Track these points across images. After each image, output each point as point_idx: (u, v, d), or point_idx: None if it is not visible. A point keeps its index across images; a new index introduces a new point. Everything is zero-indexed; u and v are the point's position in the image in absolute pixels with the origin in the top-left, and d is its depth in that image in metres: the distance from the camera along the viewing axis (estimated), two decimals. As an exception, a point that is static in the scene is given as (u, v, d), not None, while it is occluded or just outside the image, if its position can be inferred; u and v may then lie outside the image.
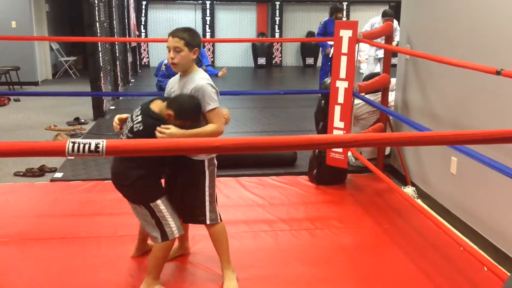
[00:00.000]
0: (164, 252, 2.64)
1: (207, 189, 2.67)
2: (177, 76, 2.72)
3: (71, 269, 2.92)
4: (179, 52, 2.54)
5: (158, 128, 2.45)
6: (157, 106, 2.55)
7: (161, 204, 2.55)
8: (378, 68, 7.92)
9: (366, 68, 8.14)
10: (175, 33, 2.57)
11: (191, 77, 2.61)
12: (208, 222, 2.69)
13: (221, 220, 2.74)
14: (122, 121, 2.63)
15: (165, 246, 2.61)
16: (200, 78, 2.58)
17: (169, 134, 2.45)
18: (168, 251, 2.68)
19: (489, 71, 2.59)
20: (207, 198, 2.67)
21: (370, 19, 8.41)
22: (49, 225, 3.49)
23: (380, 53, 7.99)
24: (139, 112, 2.54)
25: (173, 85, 2.71)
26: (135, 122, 2.51)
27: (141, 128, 2.48)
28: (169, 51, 2.57)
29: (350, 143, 1.36)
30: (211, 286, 2.76)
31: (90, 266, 2.95)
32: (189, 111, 2.52)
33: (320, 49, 8.27)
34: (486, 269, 2.77)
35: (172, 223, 2.57)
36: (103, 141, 1.22)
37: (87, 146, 1.20)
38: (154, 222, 2.56)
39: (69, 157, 4.94)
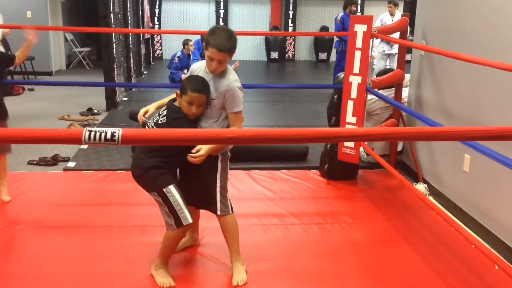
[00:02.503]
0: (175, 239, 2.72)
1: (218, 180, 2.69)
2: (202, 65, 2.69)
3: (82, 258, 2.95)
4: (222, 63, 2.55)
5: (189, 155, 2.54)
6: (177, 100, 2.67)
7: (173, 190, 2.60)
8: (388, 64, 7.89)
9: (376, 65, 8.12)
10: (220, 48, 2.48)
11: (222, 75, 2.61)
12: (218, 212, 2.72)
13: (232, 211, 2.76)
14: (148, 115, 2.75)
15: (176, 234, 2.67)
16: (231, 80, 2.59)
17: (202, 154, 2.53)
18: (178, 239, 2.75)
19: (506, 68, 2.57)
20: (217, 189, 2.69)
21: (379, 15, 8.39)
22: (61, 214, 3.52)
23: (388, 49, 7.96)
24: (166, 107, 2.68)
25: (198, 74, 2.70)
26: (160, 116, 2.65)
27: (164, 121, 2.62)
28: (211, 60, 2.52)
29: (363, 137, 1.36)
30: (220, 277, 2.78)
31: (101, 255, 2.98)
32: (187, 81, 2.59)
33: (336, 43, 8.21)
34: (497, 267, 2.76)
35: (184, 209, 2.62)
36: (119, 130, 1.23)
37: (103, 134, 1.22)
38: (167, 210, 2.61)
39: (84, 146, 4.97)
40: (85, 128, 1.24)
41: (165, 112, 2.65)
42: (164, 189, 2.59)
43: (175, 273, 2.80)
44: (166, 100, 2.77)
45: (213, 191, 2.69)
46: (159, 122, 2.63)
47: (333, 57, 13.09)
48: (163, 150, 2.60)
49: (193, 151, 2.54)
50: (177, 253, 3.01)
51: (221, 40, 2.48)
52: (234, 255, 2.78)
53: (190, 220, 2.64)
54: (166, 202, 2.60)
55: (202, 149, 2.53)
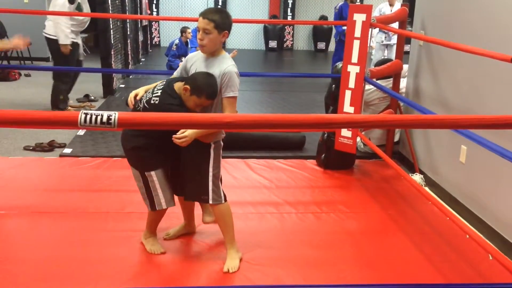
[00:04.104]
0: (155, 217, 2.83)
1: (210, 169, 2.67)
2: (199, 54, 2.69)
3: (78, 243, 2.95)
4: (208, 34, 2.53)
5: (174, 136, 2.51)
6: (177, 85, 2.62)
7: (154, 176, 2.64)
8: (386, 55, 7.87)
9: (374, 55, 8.10)
10: (206, 14, 2.54)
11: (219, 60, 2.60)
12: (210, 201, 2.71)
13: (225, 200, 2.75)
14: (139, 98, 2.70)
15: (155, 213, 2.79)
16: (229, 64, 2.58)
17: (186, 136, 2.51)
18: (158, 217, 2.84)
19: (504, 59, 2.56)
20: (210, 178, 2.68)
21: (378, 5, 8.35)
22: (57, 200, 3.52)
23: (386, 40, 7.94)
24: (161, 87, 2.63)
25: (195, 63, 2.68)
26: (154, 95, 2.60)
27: (156, 102, 2.57)
28: (198, 32, 2.56)
29: (361, 124, 1.35)
30: (214, 265, 2.78)
31: (97, 241, 2.98)
32: (205, 85, 2.54)
33: (334, 33, 8.20)
34: (491, 257, 2.77)
35: (161, 195, 2.67)
36: (115, 113, 1.22)
37: (99, 117, 1.21)
38: (144, 191, 2.69)
39: (80, 132, 4.95)
40: (81, 111, 1.24)
41: (159, 93, 2.59)
42: (146, 173, 2.63)
43: (169, 260, 2.81)
44: (155, 85, 2.72)
45: (206, 180, 2.67)
46: (151, 101, 2.58)
47: (332, 47, 13.05)
48: (148, 131, 2.58)
49: (178, 133, 2.52)
50: (173, 240, 3.02)
51: (207, 10, 2.59)
52: (229, 243, 2.78)
53: (164, 206, 2.69)
54: (145, 184, 2.65)
55: (187, 131, 2.51)
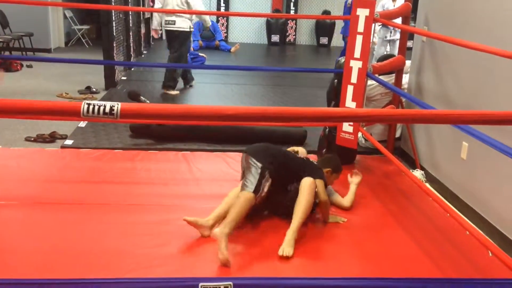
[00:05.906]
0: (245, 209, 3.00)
1: None
2: None
3: (78, 235, 2.95)
4: None
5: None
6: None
7: (268, 174, 3.07)
8: (388, 50, 7.84)
9: (376, 51, 8.07)
10: None
11: None
12: None
13: None
14: None
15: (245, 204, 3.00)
16: None
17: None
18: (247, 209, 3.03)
19: (507, 56, 2.55)
20: None
21: (381, 0, 8.30)
22: (58, 191, 3.52)
23: (390, 35, 7.90)
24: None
25: None
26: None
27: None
28: None
29: (364, 118, 1.35)
30: (215, 258, 2.78)
31: (97, 233, 2.98)
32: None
33: (341, 29, 8.14)
34: (491, 254, 2.78)
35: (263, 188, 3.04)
36: (118, 104, 1.23)
37: (102, 108, 1.21)
38: (257, 179, 3.02)
39: (82, 124, 4.93)
40: (84, 101, 1.24)
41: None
42: (265, 169, 3.07)
43: (170, 254, 2.82)
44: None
45: None
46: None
47: (334, 42, 13.02)
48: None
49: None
50: (173, 233, 3.01)
51: None
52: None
53: (256, 194, 2.98)
54: (260, 175, 3.04)
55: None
